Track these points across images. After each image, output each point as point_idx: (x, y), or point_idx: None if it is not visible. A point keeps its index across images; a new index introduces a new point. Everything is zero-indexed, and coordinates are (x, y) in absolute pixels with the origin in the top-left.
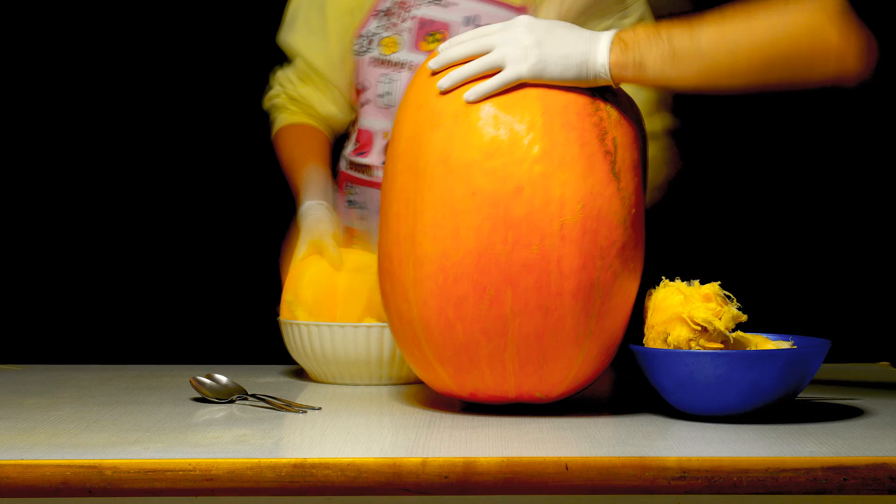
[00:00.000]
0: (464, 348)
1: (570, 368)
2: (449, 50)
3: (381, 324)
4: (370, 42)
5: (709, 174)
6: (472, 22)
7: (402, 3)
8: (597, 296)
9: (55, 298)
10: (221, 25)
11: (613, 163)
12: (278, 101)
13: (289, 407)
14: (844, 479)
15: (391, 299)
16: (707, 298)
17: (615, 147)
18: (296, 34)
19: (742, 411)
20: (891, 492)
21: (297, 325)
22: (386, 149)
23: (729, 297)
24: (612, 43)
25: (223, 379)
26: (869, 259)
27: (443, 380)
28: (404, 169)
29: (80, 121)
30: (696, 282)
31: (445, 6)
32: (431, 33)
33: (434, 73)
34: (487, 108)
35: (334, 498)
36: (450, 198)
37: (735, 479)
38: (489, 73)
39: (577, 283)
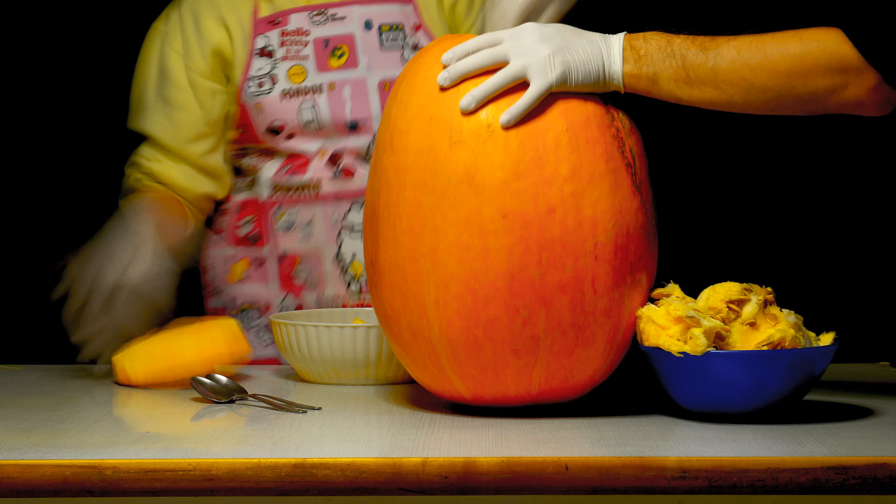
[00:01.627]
0: (491, 366)
1: (593, 378)
2: (460, 63)
3: (370, 325)
4: (271, 79)
5: (709, 174)
6: (372, 25)
7: (295, 31)
8: (625, 310)
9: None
10: None
11: (635, 175)
12: (129, 182)
13: (289, 407)
14: (844, 479)
15: (402, 314)
16: (678, 321)
17: (633, 158)
18: (146, 116)
19: (746, 411)
20: (891, 492)
21: (288, 324)
22: (369, 157)
23: (697, 311)
24: (625, 51)
25: (223, 379)
26: (869, 259)
27: (457, 391)
28: (416, 184)
29: (81, 123)
30: (666, 302)
31: (340, 19)
32: (338, 46)
33: (444, 89)
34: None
35: (334, 498)
36: (478, 219)
37: (735, 479)
38: (511, 85)
39: (610, 301)
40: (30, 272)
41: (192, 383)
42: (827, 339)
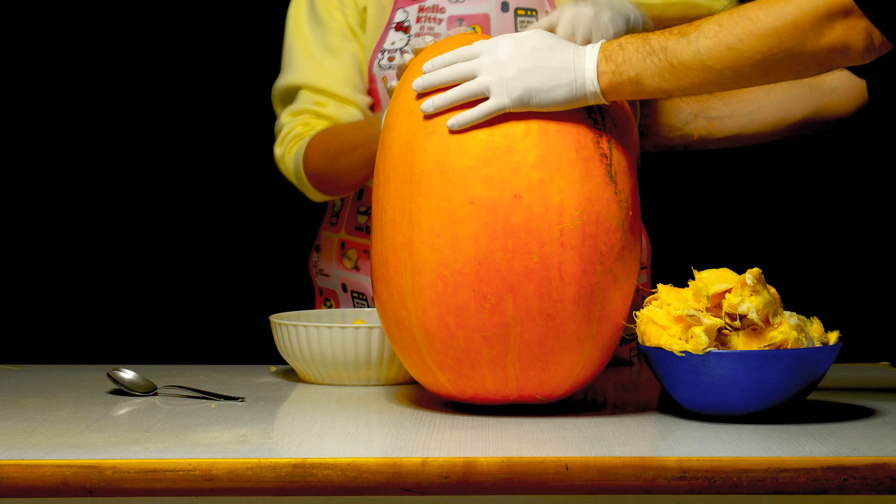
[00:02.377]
0: (465, 355)
1: (571, 371)
2: (433, 74)
3: (370, 325)
4: (401, 55)
5: (710, 175)
6: (509, 7)
7: (433, 6)
8: (597, 300)
9: (55, 298)
10: (224, 26)
11: (609, 166)
12: (298, 129)
13: (211, 397)
14: (844, 479)
15: (388, 306)
16: (679, 321)
17: (611, 150)
18: (299, 70)
19: (748, 411)
20: (891, 492)
21: (288, 325)
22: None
23: (697, 311)
24: (599, 62)
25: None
26: (869, 260)
27: (443, 385)
28: (398, 175)
29: (81, 124)
30: (665, 305)
31: (477, 0)
32: (471, 26)
33: (419, 96)
34: None
35: (334, 498)
36: (447, 206)
37: (735, 479)
38: (470, 100)
39: (578, 289)
40: (30, 272)
41: (110, 376)
42: (831, 338)
